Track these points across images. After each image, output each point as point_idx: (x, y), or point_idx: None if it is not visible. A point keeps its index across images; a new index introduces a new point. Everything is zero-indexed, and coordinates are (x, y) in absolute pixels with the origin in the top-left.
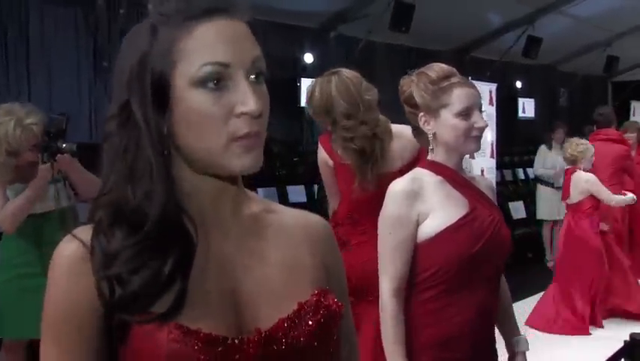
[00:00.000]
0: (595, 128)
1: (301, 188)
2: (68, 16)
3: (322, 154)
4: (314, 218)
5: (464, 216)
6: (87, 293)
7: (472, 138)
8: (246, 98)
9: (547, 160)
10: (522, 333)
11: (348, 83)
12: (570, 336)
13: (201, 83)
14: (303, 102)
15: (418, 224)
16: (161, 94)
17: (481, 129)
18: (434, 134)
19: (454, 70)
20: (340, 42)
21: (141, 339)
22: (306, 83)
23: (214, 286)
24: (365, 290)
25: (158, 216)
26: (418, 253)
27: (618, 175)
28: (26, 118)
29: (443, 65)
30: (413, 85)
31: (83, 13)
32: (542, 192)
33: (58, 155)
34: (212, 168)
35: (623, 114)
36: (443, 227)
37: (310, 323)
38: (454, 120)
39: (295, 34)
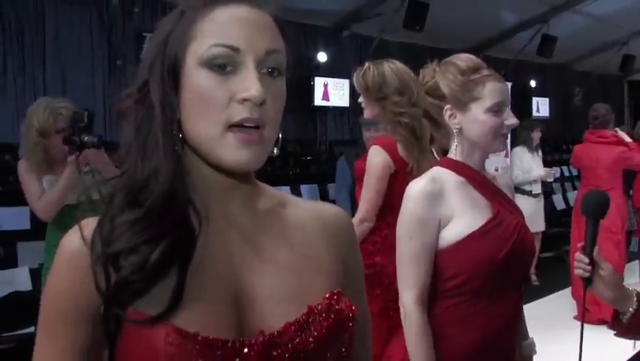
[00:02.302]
0: (590, 127)
1: (314, 187)
2: (83, 16)
3: (386, 159)
4: (331, 209)
5: (489, 221)
6: (84, 288)
7: (500, 137)
8: (249, 84)
9: (524, 164)
10: (530, 337)
11: (401, 67)
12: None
13: (208, 63)
14: (316, 101)
15: (439, 228)
16: (175, 73)
17: (512, 127)
18: (460, 130)
19: (483, 62)
20: (354, 41)
21: (137, 340)
22: (319, 82)
23: (217, 285)
24: None
25: (162, 191)
26: (441, 260)
27: (615, 179)
28: (55, 103)
29: (472, 56)
30: (439, 75)
31: (98, 12)
32: (519, 203)
33: (86, 150)
34: (210, 157)
35: (639, 113)
36: (467, 233)
37: (319, 327)
38: (484, 116)
39: (309, 32)
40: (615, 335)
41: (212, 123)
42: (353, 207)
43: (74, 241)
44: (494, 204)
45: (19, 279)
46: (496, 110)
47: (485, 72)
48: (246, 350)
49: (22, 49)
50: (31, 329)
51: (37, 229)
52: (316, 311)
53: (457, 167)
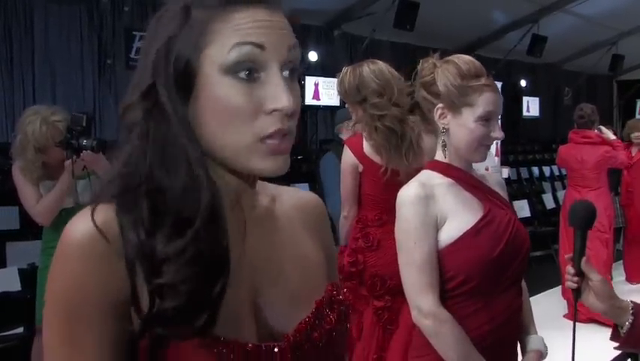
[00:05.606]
0: (575, 126)
1: (305, 186)
2: (72, 15)
3: (350, 157)
4: (307, 196)
5: (481, 219)
6: (110, 280)
7: (483, 147)
8: (279, 94)
9: None
10: (537, 333)
11: (383, 67)
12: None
13: (232, 69)
14: (307, 100)
15: (437, 230)
16: (186, 79)
17: (496, 140)
18: (447, 130)
19: (484, 69)
20: (344, 40)
21: (175, 356)
22: (310, 82)
23: (238, 291)
24: (401, 289)
25: (207, 207)
26: (439, 262)
27: (601, 179)
28: (51, 116)
29: (475, 61)
30: (438, 72)
31: (88, 11)
32: None
33: (83, 152)
34: (235, 165)
35: (628, 113)
36: (461, 232)
37: (329, 320)
38: (473, 124)
39: (299, 32)
40: (615, 348)
41: (241, 135)
42: None
43: (90, 228)
44: (485, 203)
45: (7, 279)
46: (485, 119)
47: (484, 81)
48: (277, 354)
49: (10, 49)
50: (20, 330)
51: (27, 229)
52: (323, 305)
53: (444, 169)
